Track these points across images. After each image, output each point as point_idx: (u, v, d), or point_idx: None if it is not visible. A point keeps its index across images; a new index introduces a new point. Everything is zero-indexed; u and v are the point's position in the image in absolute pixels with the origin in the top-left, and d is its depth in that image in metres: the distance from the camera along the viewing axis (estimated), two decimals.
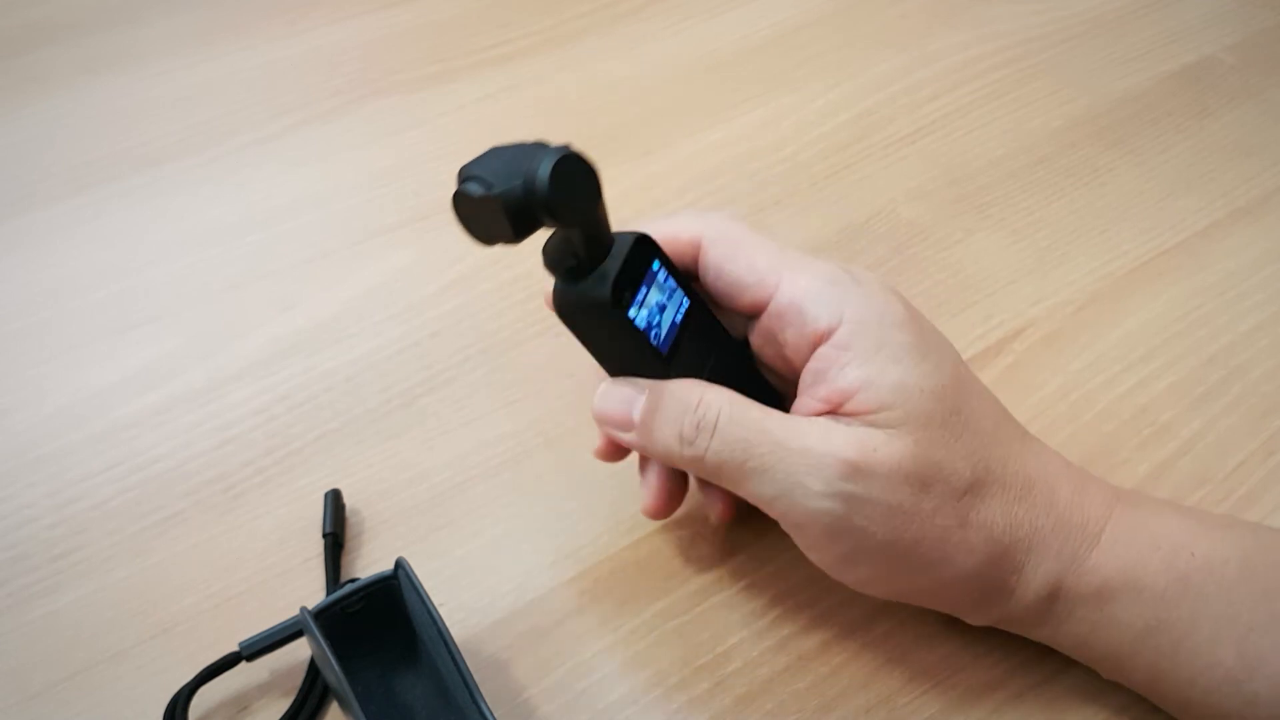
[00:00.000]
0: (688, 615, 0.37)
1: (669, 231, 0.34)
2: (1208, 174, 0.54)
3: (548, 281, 0.48)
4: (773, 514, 0.33)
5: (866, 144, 0.56)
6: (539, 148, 0.30)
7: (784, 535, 0.39)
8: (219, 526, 0.40)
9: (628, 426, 0.34)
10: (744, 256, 0.33)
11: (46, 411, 0.43)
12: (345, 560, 0.39)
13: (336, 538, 0.38)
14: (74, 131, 0.57)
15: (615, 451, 0.37)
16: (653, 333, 0.32)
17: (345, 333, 0.46)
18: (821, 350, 0.32)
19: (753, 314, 0.34)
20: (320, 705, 0.35)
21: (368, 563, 0.39)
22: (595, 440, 0.42)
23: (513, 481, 0.41)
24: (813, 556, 0.33)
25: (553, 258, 0.32)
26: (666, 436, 0.33)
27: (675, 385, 0.33)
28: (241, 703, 0.35)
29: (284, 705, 0.35)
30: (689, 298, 0.34)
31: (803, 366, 0.32)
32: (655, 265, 0.32)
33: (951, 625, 0.36)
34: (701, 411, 0.32)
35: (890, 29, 0.63)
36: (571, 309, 0.33)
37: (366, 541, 0.39)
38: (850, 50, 0.62)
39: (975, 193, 0.53)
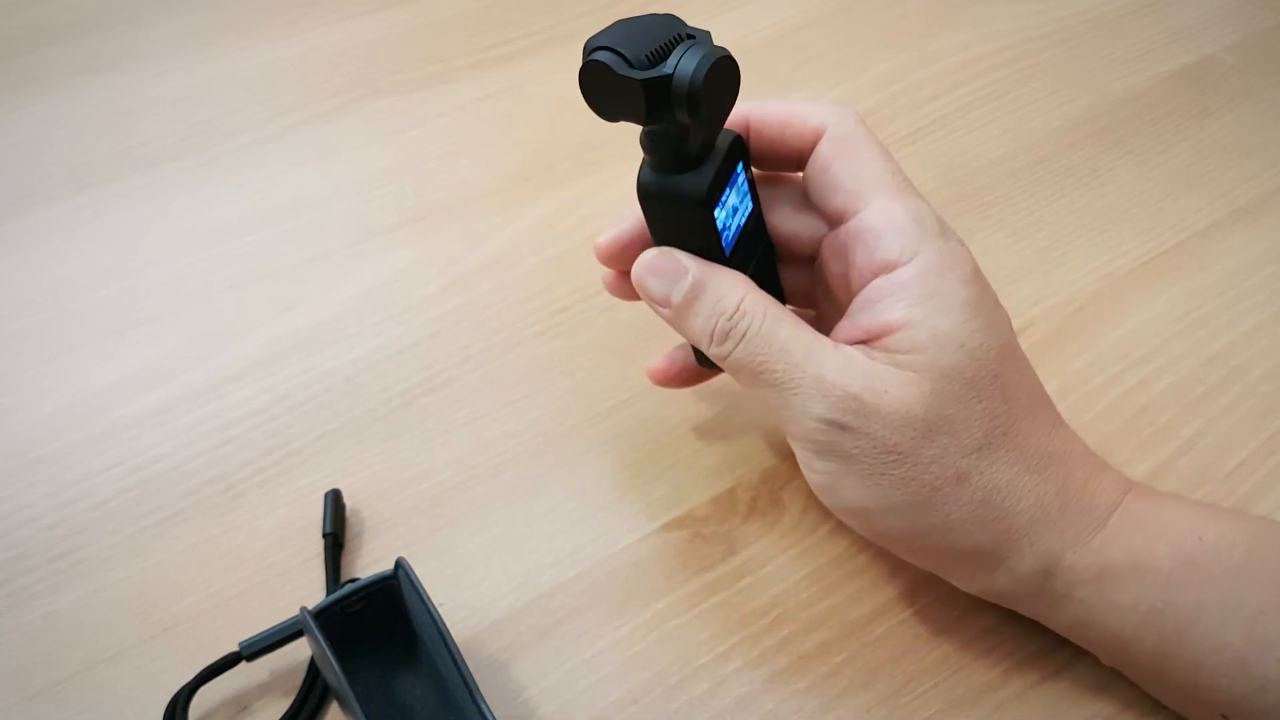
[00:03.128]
0: (688, 615, 0.37)
1: (799, 113, 0.34)
2: (1208, 174, 0.54)
3: (550, 279, 0.48)
4: (776, 418, 0.34)
5: None
6: (677, 27, 0.29)
7: (784, 535, 0.39)
8: (219, 526, 0.40)
9: (665, 303, 0.34)
10: (856, 163, 0.33)
11: (46, 411, 0.43)
12: (345, 560, 0.39)
13: (336, 538, 0.38)
14: (74, 131, 0.57)
15: (623, 291, 0.38)
16: (725, 235, 0.33)
17: (345, 333, 0.46)
18: (879, 281, 0.32)
19: (836, 222, 0.34)
20: (320, 705, 0.35)
21: (368, 563, 0.39)
22: (594, 439, 0.42)
23: (513, 481, 0.41)
24: (805, 472, 0.34)
25: (657, 142, 0.31)
26: (698, 327, 0.33)
27: (719, 280, 0.33)
28: (241, 703, 0.35)
29: (284, 705, 0.35)
30: (755, 202, 0.34)
31: (859, 290, 0.33)
32: (739, 168, 0.33)
33: (951, 625, 0.36)
34: (735, 319, 0.32)
35: (890, 29, 0.63)
36: (657, 196, 0.32)
37: (366, 541, 0.39)
38: (850, 50, 0.62)
39: (975, 193, 0.53)
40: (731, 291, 0.33)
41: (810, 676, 0.36)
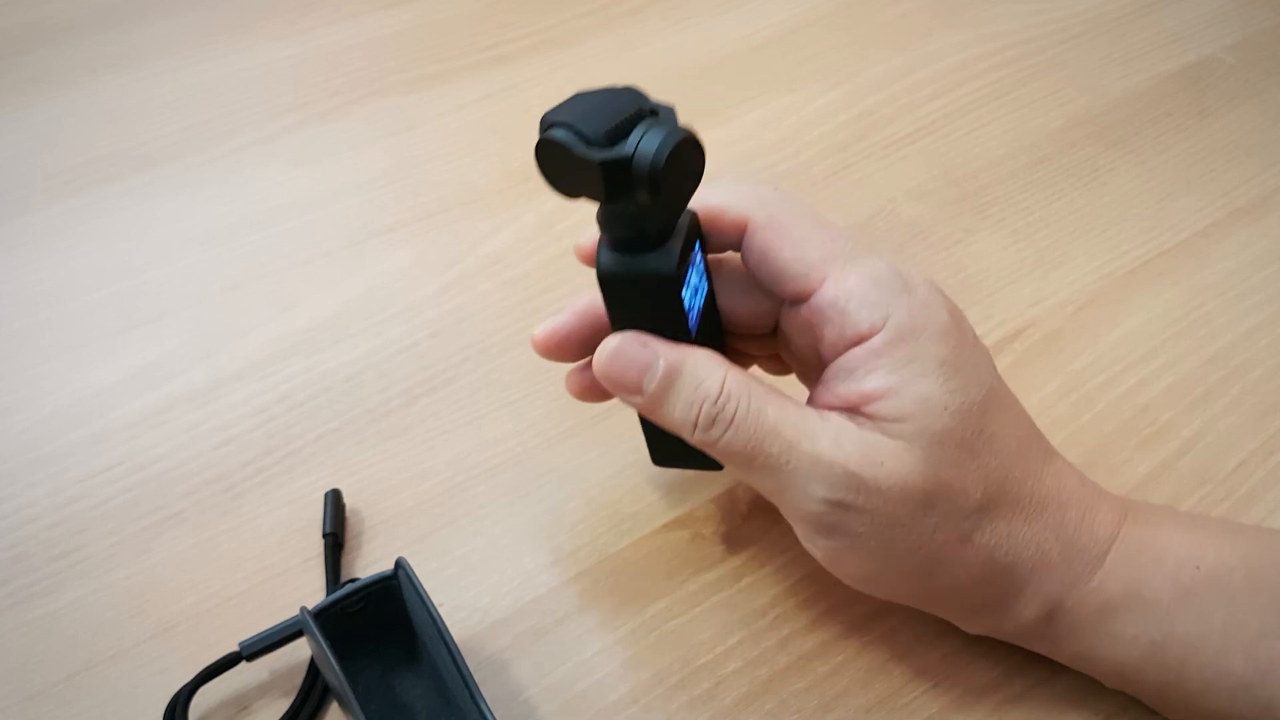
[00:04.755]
0: (688, 615, 0.37)
1: (716, 205, 0.32)
2: (1208, 174, 0.54)
3: (550, 279, 0.48)
4: (773, 502, 0.32)
5: (866, 144, 0.56)
6: (639, 101, 0.28)
7: (784, 535, 0.39)
8: (219, 526, 0.40)
9: (636, 392, 0.32)
10: (792, 246, 0.32)
11: (46, 411, 0.43)
12: (345, 560, 0.39)
13: (336, 538, 0.38)
14: (74, 131, 0.57)
15: (594, 394, 0.35)
16: (690, 315, 0.31)
17: (345, 333, 0.46)
18: (855, 351, 0.31)
19: (794, 302, 0.33)
20: (320, 705, 0.35)
21: (368, 563, 0.39)
22: (594, 439, 0.42)
23: (513, 481, 0.41)
24: (807, 546, 0.33)
25: (616, 226, 0.30)
26: (678, 415, 0.31)
27: (695, 361, 0.31)
28: (241, 703, 0.35)
29: (284, 705, 0.35)
30: (708, 282, 0.33)
31: (832, 361, 0.32)
32: (697, 246, 0.32)
33: (951, 626, 0.36)
34: (722, 403, 0.31)
35: (890, 29, 0.63)
36: (621, 279, 0.31)
37: (366, 541, 0.39)
38: (850, 50, 0.62)
39: (975, 193, 0.53)
40: (712, 373, 0.31)
41: (810, 676, 0.36)
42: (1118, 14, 0.64)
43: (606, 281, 0.31)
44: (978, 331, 0.46)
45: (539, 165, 0.28)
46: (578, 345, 0.35)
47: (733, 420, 0.31)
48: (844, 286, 0.31)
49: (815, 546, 0.32)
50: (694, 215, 0.31)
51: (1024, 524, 0.31)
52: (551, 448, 0.42)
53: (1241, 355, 0.45)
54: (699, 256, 0.32)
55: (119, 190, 0.53)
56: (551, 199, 0.52)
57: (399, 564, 0.34)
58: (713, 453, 0.32)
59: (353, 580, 0.34)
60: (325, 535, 0.38)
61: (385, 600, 0.34)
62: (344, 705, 0.34)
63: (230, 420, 0.43)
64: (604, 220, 0.30)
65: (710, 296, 0.33)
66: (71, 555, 0.39)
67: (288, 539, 0.39)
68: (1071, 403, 0.44)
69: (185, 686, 0.34)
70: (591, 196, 0.28)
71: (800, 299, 0.32)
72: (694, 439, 0.32)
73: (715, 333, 0.34)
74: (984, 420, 0.31)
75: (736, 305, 0.35)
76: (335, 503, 0.39)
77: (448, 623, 0.32)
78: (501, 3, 0.66)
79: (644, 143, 0.27)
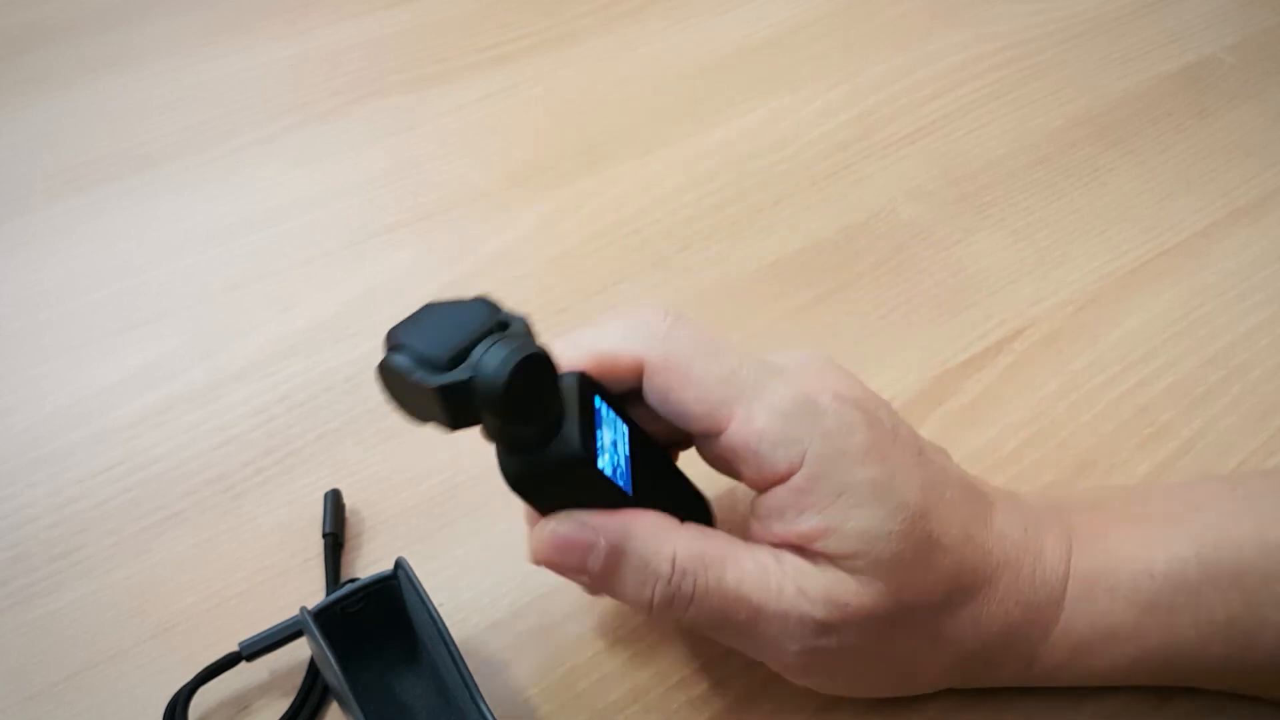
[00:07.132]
0: None
1: (608, 352, 0.31)
2: (1208, 174, 0.54)
3: (550, 279, 0.48)
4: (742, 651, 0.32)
5: (866, 144, 0.56)
6: (488, 315, 0.26)
7: None
8: (219, 526, 0.40)
9: (583, 573, 0.30)
10: (692, 387, 0.30)
11: (46, 411, 0.43)
12: (345, 560, 0.39)
13: (336, 538, 0.38)
14: (74, 131, 0.57)
15: None
16: (618, 474, 0.29)
17: (345, 333, 0.46)
18: (779, 492, 0.29)
19: (705, 437, 0.31)
20: (320, 705, 0.35)
21: (368, 563, 0.39)
22: None
23: None
24: (787, 678, 0.33)
25: (499, 434, 0.28)
26: (630, 594, 0.30)
27: (639, 536, 0.29)
28: (241, 703, 0.35)
29: (284, 705, 0.35)
30: (626, 421, 0.31)
31: (758, 492, 0.30)
32: (598, 402, 0.29)
33: None
34: (677, 582, 0.29)
35: (890, 29, 0.63)
36: (533, 479, 0.28)
37: (366, 541, 0.39)
38: (850, 50, 0.62)
39: (975, 193, 0.53)
40: (660, 547, 0.29)
41: None
42: (1118, 14, 0.64)
43: (519, 486, 0.29)
44: (977, 332, 0.46)
45: (384, 390, 0.27)
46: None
47: (692, 597, 0.29)
48: (753, 428, 0.29)
49: (794, 680, 0.33)
50: (584, 378, 0.29)
51: (984, 604, 0.31)
52: None
53: (1241, 355, 0.45)
54: (604, 409, 0.30)
55: (119, 190, 0.53)
56: (551, 199, 0.52)
57: (399, 564, 0.34)
58: (674, 626, 0.32)
59: (353, 580, 0.34)
60: (325, 535, 0.38)
61: (385, 600, 0.34)
62: (344, 705, 0.34)
63: (230, 420, 0.43)
64: (487, 430, 0.28)
65: (634, 434, 0.31)
66: (71, 555, 0.39)
67: (288, 539, 0.39)
68: (1071, 403, 0.44)
69: (185, 686, 0.34)
70: (438, 424, 0.26)
71: (709, 435, 0.30)
72: (653, 617, 0.30)
73: (653, 470, 0.32)
74: (928, 525, 0.30)
75: (650, 428, 0.33)
76: (335, 503, 0.39)
77: (448, 623, 0.32)
78: (501, 3, 0.66)
79: (485, 361, 0.25)
